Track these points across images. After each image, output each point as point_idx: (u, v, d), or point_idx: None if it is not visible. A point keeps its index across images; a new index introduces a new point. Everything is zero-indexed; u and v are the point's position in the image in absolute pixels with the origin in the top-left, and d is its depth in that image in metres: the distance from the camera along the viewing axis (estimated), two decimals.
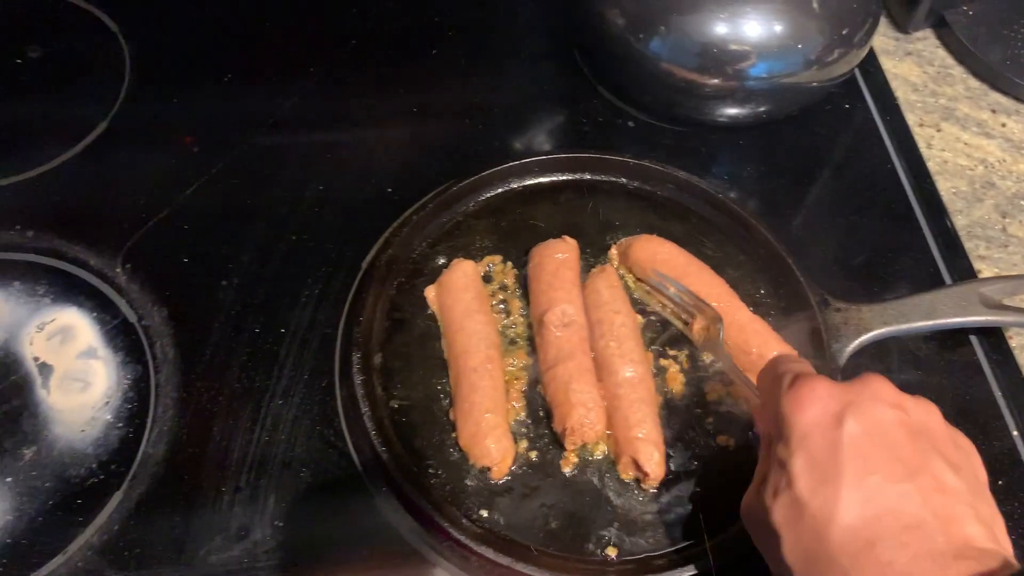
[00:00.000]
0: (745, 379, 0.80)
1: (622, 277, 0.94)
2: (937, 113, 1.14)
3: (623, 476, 0.82)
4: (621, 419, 0.82)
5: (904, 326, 0.90)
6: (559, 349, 0.85)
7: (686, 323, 0.90)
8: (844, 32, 1.01)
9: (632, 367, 0.84)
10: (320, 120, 1.09)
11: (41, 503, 0.80)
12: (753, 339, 0.87)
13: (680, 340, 0.90)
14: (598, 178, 1.02)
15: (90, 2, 1.17)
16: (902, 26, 1.22)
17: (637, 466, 0.80)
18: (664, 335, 0.91)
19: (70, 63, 1.12)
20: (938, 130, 1.12)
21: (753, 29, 0.98)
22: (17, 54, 1.11)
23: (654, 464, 0.79)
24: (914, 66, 1.19)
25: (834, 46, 1.01)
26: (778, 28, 0.98)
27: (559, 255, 0.92)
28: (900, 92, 1.16)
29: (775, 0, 0.98)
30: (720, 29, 0.98)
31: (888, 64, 1.19)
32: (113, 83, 1.09)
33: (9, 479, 0.81)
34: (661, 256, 0.91)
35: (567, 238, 0.94)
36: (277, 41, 1.17)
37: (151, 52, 1.13)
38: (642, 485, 0.81)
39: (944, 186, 1.06)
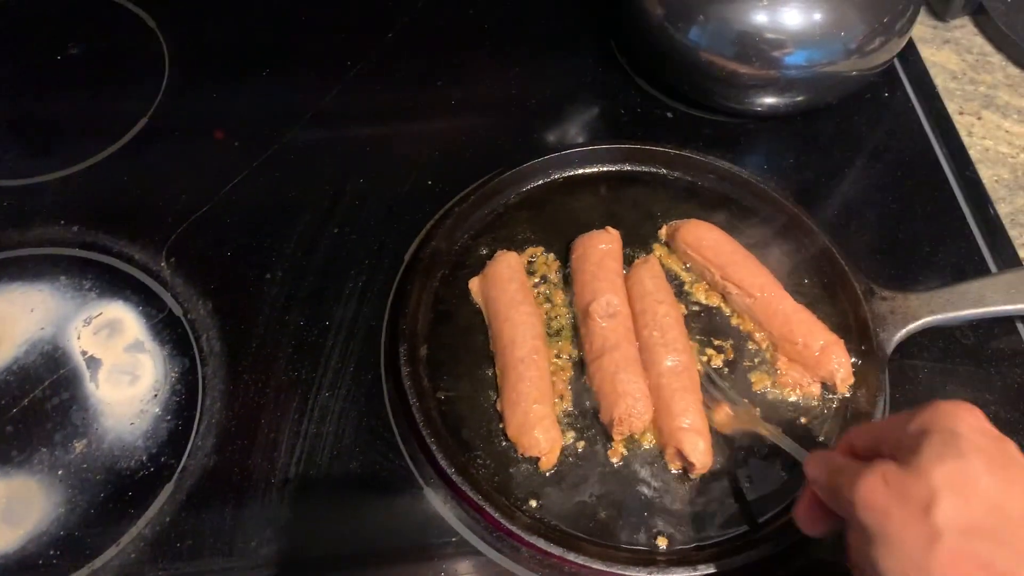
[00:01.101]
0: (793, 446, 0.79)
1: (664, 263, 0.94)
2: (977, 101, 1.13)
3: (670, 467, 0.82)
4: (664, 409, 0.82)
5: (952, 314, 0.89)
6: (605, 339, 0.85)
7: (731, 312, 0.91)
8: (885, 20, 1.00)
9: (675, 356, 0.84)
10: (359, 113, 1.09)
11: (93, 495, 0.80)
12: (799, 329, 0.87)
13: (725, 330, 0.90)
14: (638, 169, 1.01)
15: None
16: (940, 14, 1.22)
17: (682, 456, 0.80)
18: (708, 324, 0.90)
19: (110, 60, 1.13)
20: (978, 118, 1.11)
21: (793, 17, 0.97)
22: (58, 51, 1.12)
23: (699, 454, 0.79)
24: (952, 54, 1.18)
25: (875, 34, 1.00)
26: (818, 16, 0.97)
27: (603, 246, 0.92)
28: (939, 80, 1.15)
29: None
30: (760, 18, 0.98)
31: (926, 52, 1.18)
32: (153, 79, 1.10)
33: (60, 471, 0.81)
34: (707, 242, 0.91)
35: (610, 229, 0.93)
36: (315, 35, 1.17)
37: (189, 48, 1.14)
38: (689, 475, 0.81)
39: (986, 174, 1.05)
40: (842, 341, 0.86)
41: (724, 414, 0.83)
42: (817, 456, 0.67)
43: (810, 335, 0.86)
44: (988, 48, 1.19)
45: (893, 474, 0.56)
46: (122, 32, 1.15)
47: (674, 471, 0.81)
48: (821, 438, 0.84)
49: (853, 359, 0.86)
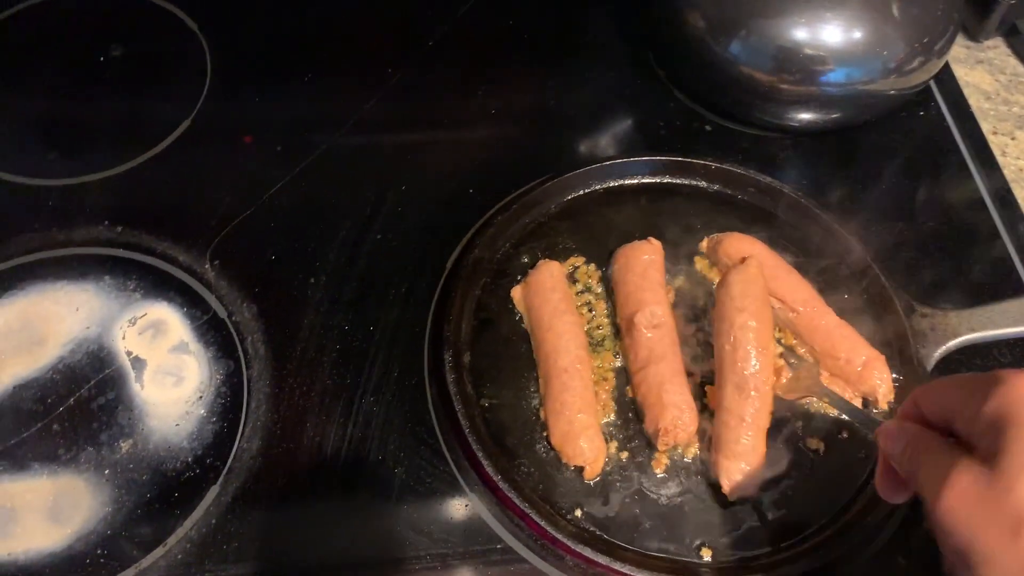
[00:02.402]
0: (859, 412, 0.79)
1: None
2: (1011, 121, 1.14)
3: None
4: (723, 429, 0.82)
5: (992, 332, 0.89)
6: (650, 350, 0.86)
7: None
8: (925, 40, 1.01)
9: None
10: (400, 121, 1.10)
11: (139, 496, 0.80)
12: (841, 344, 0.87)
13: None
14: (678, 181, 1.02)
15: (170, 1, 1.18)
16: (973, 34, 1.23)
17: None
18: None
19: (152, 62, 1.14)
20: (1012, 138, 1.12)
21: (833, 35, 0.98)
22: (101, 53, 1.13)
23: (727, 481, 0.79)
24: (985, 74, 1.20)
25: (915, 54, 1.01)
26: (858, 35, 0.98)
27: (646, 256, 0.92)
28: (972, 100, 1.16)
29: (856, 6, 0.98)
30: (800, 34, 0.99)
31: (960, 72, 1.19)
32: (195, 82, 1.11)
33: (107, 471, 0.82)
34: (750, 255, 0.91)
35: (652, 240, 0.94)
36: (356, 42, 1.18)
37: (231, 51, 1.14)
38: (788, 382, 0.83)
39: (1020, 195, 1.06)
40: (883, 357, 0.87)
41: (789, 379, 0.84)
42: (891, 428, 0.65)
43: (852, 350, 0.86)
44: (1021, 69, 1.20)
45: (977, 484, 0.54)
46: (164, 35, 1.16)
47: (719, 482, 0.82)
48: (862, 454, 0.84)
49: (894, 375, 0.87)
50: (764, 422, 0.81)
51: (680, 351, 0.87)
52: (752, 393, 0.81)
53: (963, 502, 0.54)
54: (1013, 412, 0.55)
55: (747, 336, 0.83)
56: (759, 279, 0.87)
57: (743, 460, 0.80)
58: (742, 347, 0.82)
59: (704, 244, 0.96)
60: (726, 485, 0.79)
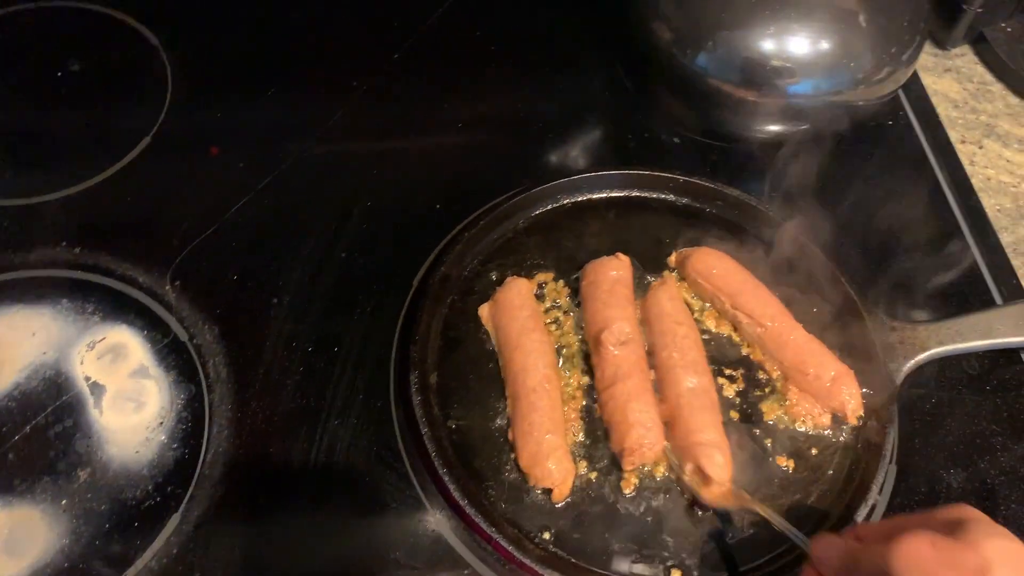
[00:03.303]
0: (787, 527, 0.76)
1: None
2: (979, 130, 1.14)
3: (694, 486, 0.80)
4: (683, 428, 0.81)
5: (961, 345, 0.89)
6: (617, 368, 0.85)
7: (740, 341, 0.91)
8: (893, 50, 1.01)
9: (695, 377, 0.84)
10: (366, 134, 1.08)
11: (98, 526, 0.79)
12: (810, 359, 0.87)
13: (735, 359, 0.90)
14: (647, 195, 1.01)
15: (129, 15, 1.16)
16: (941, 42, 1.23)
17: (701, 472, 0.79)
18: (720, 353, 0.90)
19: (111, 76, 1.12)
20: (980, 147, 1.13)
21: (800, 46, 0.98)
22: (59, 68, 1.11)
23: (717, 468, 0.78)
24: (954, 83, 1.20)
25: (882, 64, 1.01)
26: (826, 45, 0.98)
27: (613, 272, 0.91)
28: (940, 109, 1.16)
29: (823, 17, 0.98)
30: (767, 45, 0.98)
31: (928, 80, 1.19)
32: (156, 97, 1.09)
33: (64, 501, 0.80)
34: (718, 271, 0.91)
35: (621, 255, 0.93)
36: (321, 54, 1.16)
37: (193, 66, 1.13)
38: (704, 501, 0.80)
39: (988, 203, 1.06)
40: (852, 372, 0.86)
41: (719, 490, 0.80)
42: (826, 538, 0.67)
43: (821, 366, 0.86)
44: (989, 77, 1.20)
45: (942, 541, 0.55)
46: (124, 49, 1.14)
47: (687, 502, 0.81)
48: (831, 471, 0.84)
49: (863, 389, 0.86)
50: (720, 418, 0.83)
51: (648, 368, 0.86)
52: (707, 396, 0.83)
53: (925, 550, 0.55)
54: (968, 513, 0.60)
55: (690, 345, 0.85)
56: (679, 292, 0.93)
57: (718, 448, 0.79)
58: (689, 354, 0.84)
59: (673, 258, 0.96)
60: (710, 467, 0.78)
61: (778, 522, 0.76)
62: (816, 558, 0.66)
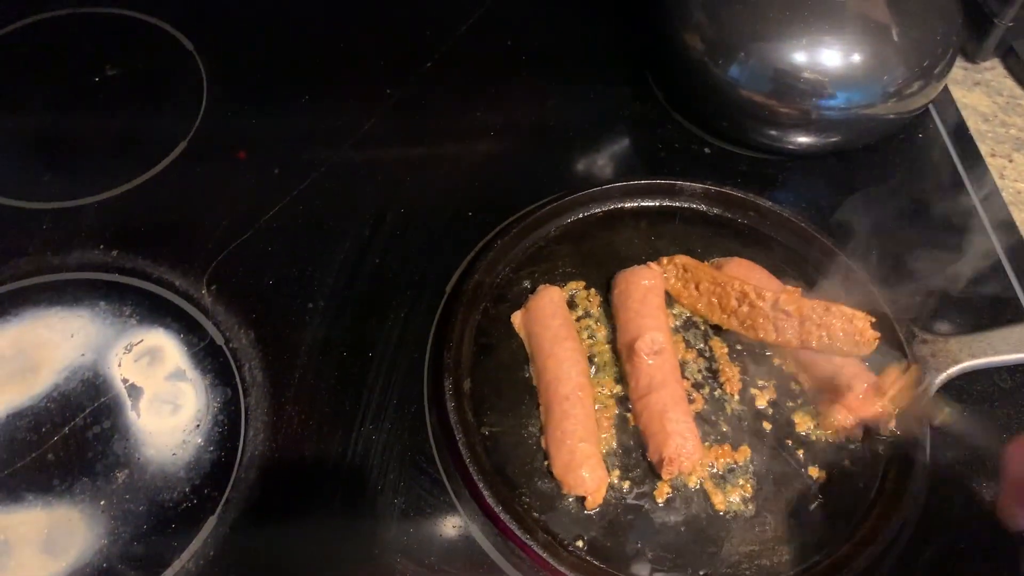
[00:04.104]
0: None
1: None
2: (1008, 143, 1.14)
3: (717, 507, 0.81)
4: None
5: (993, 359, 0.89)
6: (651, 377, 0.85)
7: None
8: (925, 64, 1.01)
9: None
10: (398, 141, 1.09)
11: (135, 527, 0.79)
12: (842, 371, 0.87)
13: (767, 369, 0.90)
14: (679, 204, 1.01)
15: (165, 21, 1.17)
16: (970, 56, 1.23)
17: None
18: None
19: (147, 82, 1.13)
20: (1010, 160, 1.13)
21: (833, 59, 0.98)
22: (95, 73, 1.12)
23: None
24: (983, 96, 1.20)
25: (914, 78, 1.01)
26: (858, 58, 0.98)
27: (645, 281, 0.92)
28: (970, 122, 1.16)
29: (855, 30, 0.98)
30: (800, 57, 0.98)
31: (957, 94, 1.19)
32: (191, 102, 1.10)
33: (103, 502, 0.80)
34: (752, 281, 0.91)
35: (651, 264, 0.94)
36: (354, 62, 1.17)
37: (228, 72, 1.14)
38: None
39: (1019, 217, 1.06)
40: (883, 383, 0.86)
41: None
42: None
43: (854, 378, 0.86)
44: (1018, 91, 1.21)
45: None
46: (159, 54, 1.15)
47: (720, 511, 0.81)
48: (863, 483, 0.84)
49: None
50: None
51: (681, 377, 0.87)
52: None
53: None
54: None
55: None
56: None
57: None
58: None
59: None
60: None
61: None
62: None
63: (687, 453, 0.81)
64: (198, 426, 0.85)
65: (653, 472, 0.83)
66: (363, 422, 0.86)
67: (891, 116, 1.04)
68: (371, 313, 0.93)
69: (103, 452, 0.83)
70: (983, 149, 1.13)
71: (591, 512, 0.81)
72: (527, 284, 0.95)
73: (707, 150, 1.10)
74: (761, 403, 0.88)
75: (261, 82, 1.14)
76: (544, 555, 0.76)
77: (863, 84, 1.00)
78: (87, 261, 0.95)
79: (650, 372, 0.85)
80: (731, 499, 0.82)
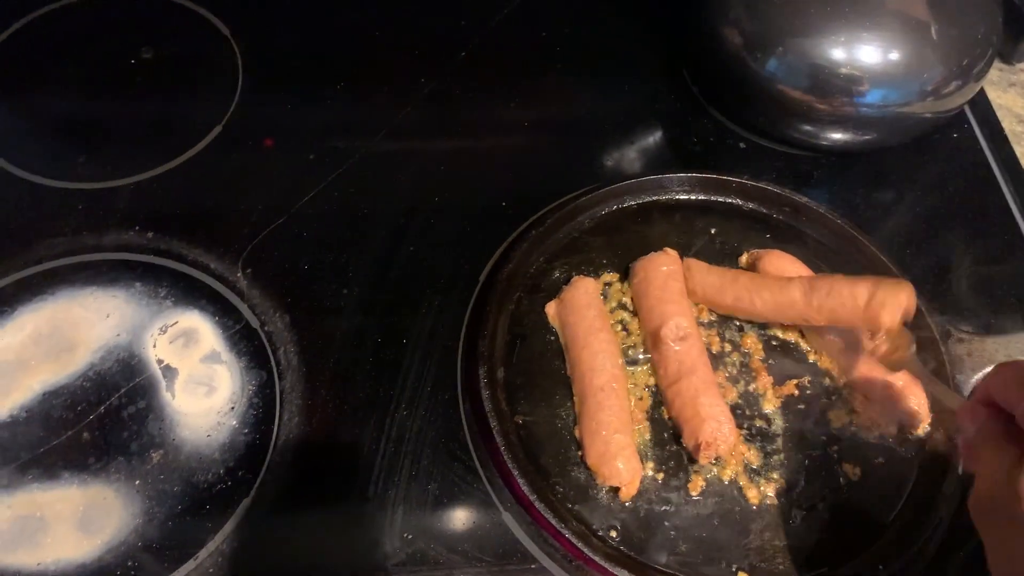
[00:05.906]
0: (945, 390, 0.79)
1: None
2: None
3: (751, 500, 0.81)
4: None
5: None
6: (680, 364, 0.85)
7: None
8: (964, 63, 1.00)
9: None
10: (433, 132, 1.09)
11: (170, 507, 0.80)
12: (878, 367, 0.86)
13: (802, 365, 0.90)
14: (714, 198, 1.01)
15: (201, 5, 1.18)
16: (1006, 57, 1.22)
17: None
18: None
19: (183, 65, 1.13)
20: None
21: (871, 55, 0.97)
22: (131, 55, 1.12)
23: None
24: (1018, 97, 1.19)
25: (952, 77, 1.00)
26: (896, 56, 0.98)
27: (664, 268, 0.91)
28: (1005, 123, 1.15)
29: (894, 27, 0.98)
30: (838, 53, 0.98)
31: (993, 95, 1.18)
32: (227, 87, 1.10)
33: (138, 482, 0.81)
34: (790, 274, 0.91)
35: (668, 250, 0.93)
36: (389, 51, 1.17)
37: (263, 57, 1.14)
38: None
39: None
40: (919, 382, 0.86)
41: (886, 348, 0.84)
42: (967, 408, 0.66)
43: (888, 374, 0.86)
44: None
45: None
46: (195, 38, 1.15)
47: (754, 505, 0.81)
48: (896, 481, 0.83)
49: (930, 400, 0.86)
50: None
51: (709, 361, 0.87)
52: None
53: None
54: None
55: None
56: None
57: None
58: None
59: (744, 259, 0.96)
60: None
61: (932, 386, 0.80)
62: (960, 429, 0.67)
63: (723, 436, 0.80)
64: (233, 408, 0.85)
65: (687, 464, 0.83)
66: (397, 408, 0.86)
67: (928, 115, 1.03)
68: (405, 300, 0.93)
69: (138, 432, 0.83)
70: (1019, 151, 1.12)
71: (624, 503, 0.81)
72: (560, 275, 0.95)
73: (742, 145, 1.10)
74: (795, 398, 0.88)
75: (296, 69, 1.14)
76: (578, 544, 0.76)
77: (901, 82, 0.99)
78: (122, 242, 0.95)
79: (678, 358, 0.85)
80: (766, 493, 0.82)
